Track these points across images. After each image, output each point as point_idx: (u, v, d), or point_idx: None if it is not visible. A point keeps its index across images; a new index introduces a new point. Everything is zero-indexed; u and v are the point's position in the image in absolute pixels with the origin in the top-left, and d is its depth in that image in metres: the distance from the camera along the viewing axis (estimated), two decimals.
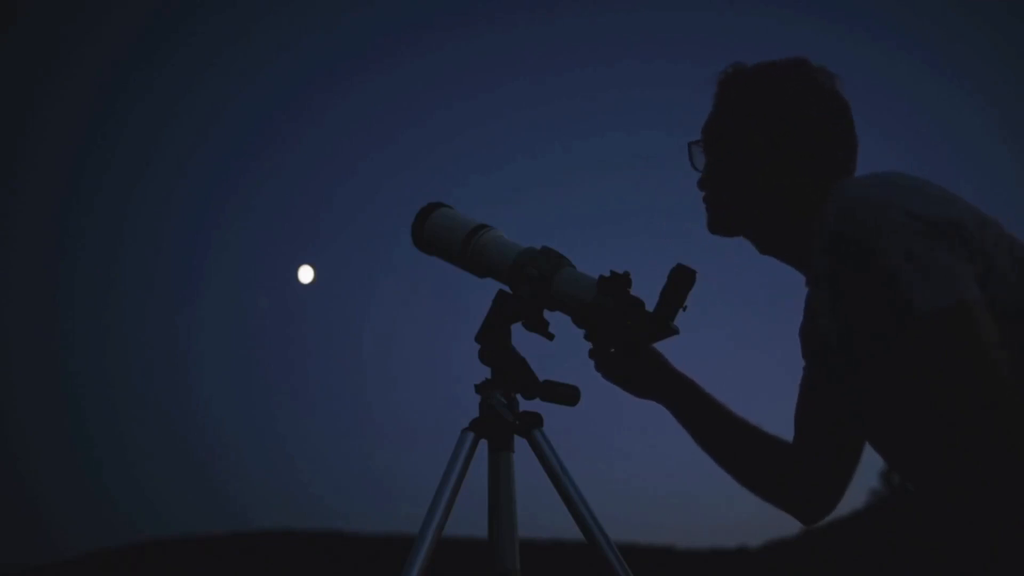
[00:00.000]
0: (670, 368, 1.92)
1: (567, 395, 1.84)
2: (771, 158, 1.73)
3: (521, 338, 1.88)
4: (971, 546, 1.48)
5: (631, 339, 1.82)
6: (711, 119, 1.83)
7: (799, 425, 1.83)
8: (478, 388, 1.84)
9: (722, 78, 1.83)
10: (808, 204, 1.69)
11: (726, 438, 1.89)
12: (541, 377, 1.85)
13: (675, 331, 1.82)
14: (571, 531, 1.75)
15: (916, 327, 1.40)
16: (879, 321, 1.46)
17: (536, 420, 1.82)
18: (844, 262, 1.50)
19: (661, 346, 1.92)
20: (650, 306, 1.77)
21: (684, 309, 1.79)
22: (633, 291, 1.77)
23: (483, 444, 1.79)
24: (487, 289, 1.93)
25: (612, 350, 1.90)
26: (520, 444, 1.81)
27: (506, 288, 1.90)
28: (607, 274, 1.77)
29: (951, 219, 1.46)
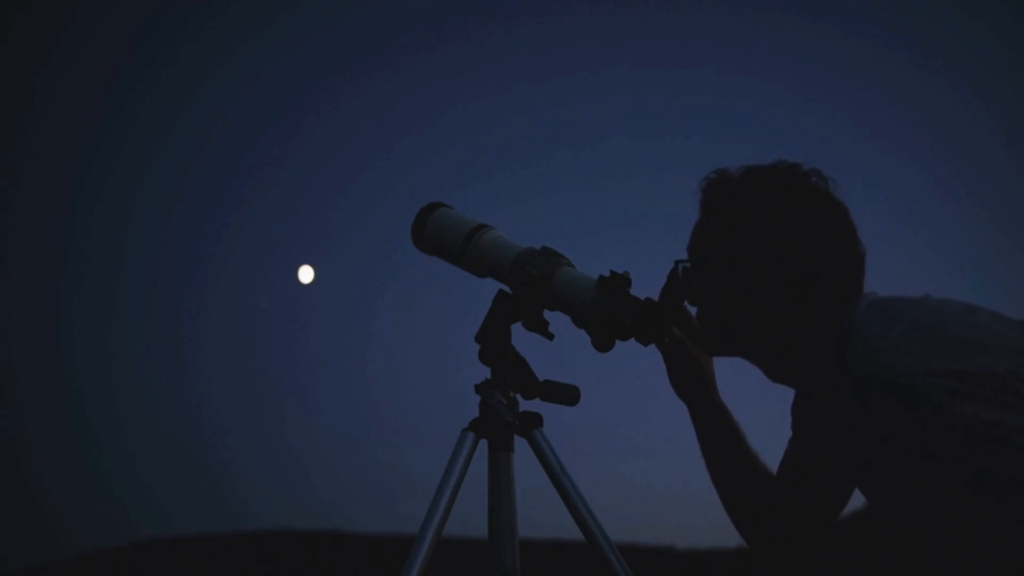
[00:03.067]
0: (711, 380, 1.89)
1: (567, 395, 1.84)
2: (770, 282, 1.62)
3: (521, 338, 1.88)
4: (973, 545, 1.48)
5: (628, 338, 1.82)
6: (699, 237, 1.72)
7: (785, 482, 1.82)
8: (478, 388, 1.84)
9: (706, 186, 1.70)
10: (816, 328, 1.61)
11: (731, 466, 1.87)
12: (541, 377, 1.85)
13: (675, 331, 1.82)
14: (571, 531, 1.75)
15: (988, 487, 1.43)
16: (938, 469, 1.47)
17: (536, 420, 1.82)
18: (893, 407, 1.47)
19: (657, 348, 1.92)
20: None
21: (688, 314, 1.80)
22: (633, 291, 1.77)
23: (483, 444, 1.79)
24: (487, 289, 1.93)
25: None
26: (520, 444, 1.81)
27: (506, 288, 1.90)
28: (607, 274, 1.78)
29: (995, 372, 1.43)
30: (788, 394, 1.83)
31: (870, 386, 1.48)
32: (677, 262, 1.75)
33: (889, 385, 1.45)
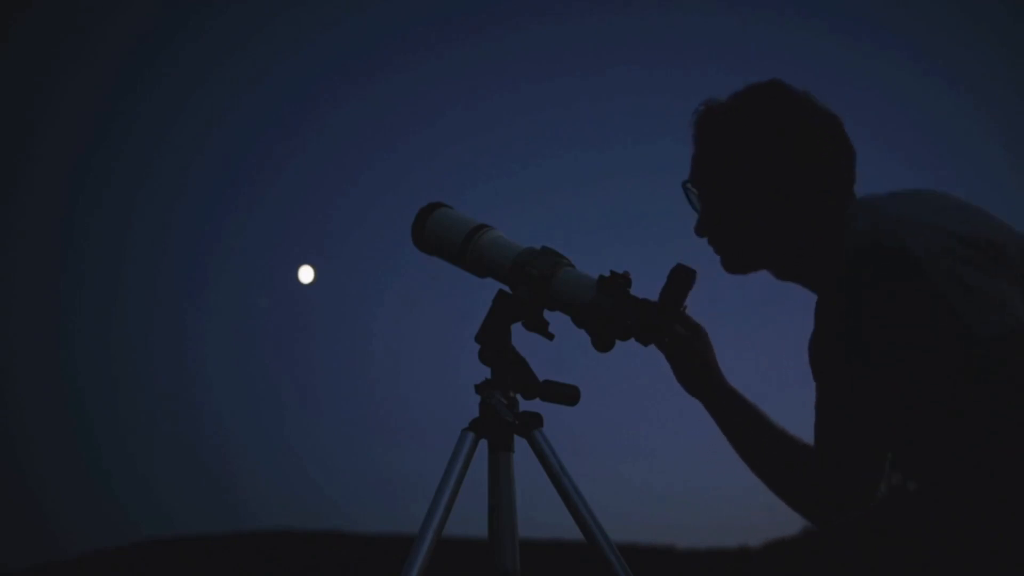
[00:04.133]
0: (719, 370, 1.91)
1: (567, 395, 1.84)
2: (770, 187, 1.69)
3: (521, 338, 1.88)
4: (976, 545, 1.48)
5: (628, 338, 1.82)
6: (698, 161, 1.78)
7: (820, 444, 1.81)
8: (478, 388, 1.84)
9: (697, 118, 1.77)
10: (819, 224, 1.68)
11: (762, 447, 1.88)
12: (541, 377, 1.85)
13: (675, 330, 1.82)
14: (571, 531, 1.75)
15: (977, 351, 1.42)
16: (925, 337, 1.46)
17: (536, 420, 1.82)
18: (884, 276, 1.49)
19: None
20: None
21: (684, 309, 1.80)
22: (633, 291, 1.77)
23: (483, 444, 1.79)
24: (487, 289, 1.93)
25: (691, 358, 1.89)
26: (520, 444, 1.81)
27: (506, 288, 1.89)
28: (607, 274, 1.78)
29: (993, 241, 1.48)
30: (791, 382, 1.83)
31: (870, 259, 1.51)
32: (684, 186, 1.79)
33: (889, 253, 1.48)
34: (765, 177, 1.69)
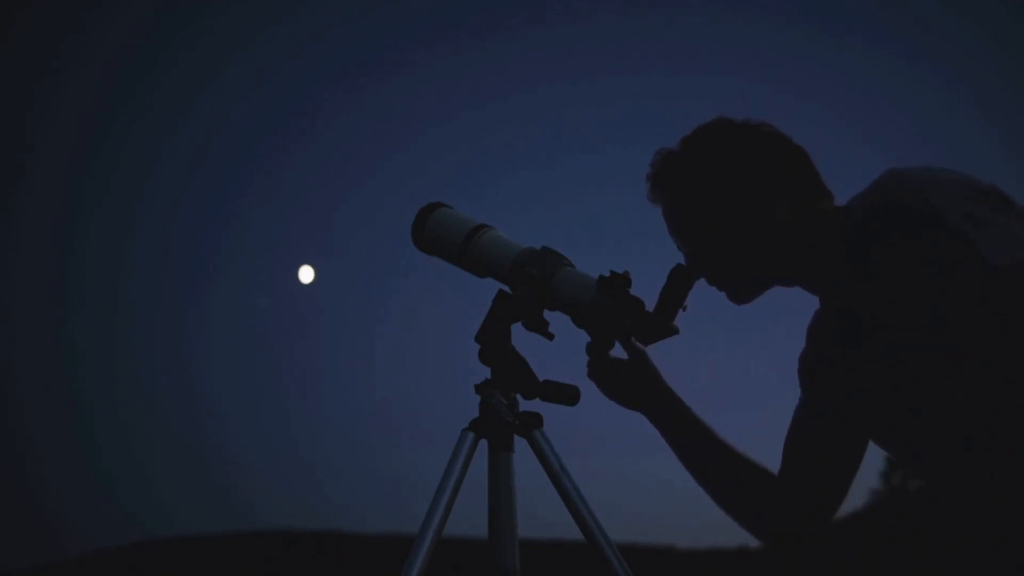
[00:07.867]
0: (659, 382, 1.92)
1: (567, 395, 1.84)
2: (757, 191, 1.73)
3: (521, 338, 1.88)
4: (976, 545, 1.48)
5: (629, 338, 1.82)
6: (671, 212, 1.82)
7: (789, 456, 1.81)
8: (478, 388, 1.84)
9: (652, 175, 1.83)
10: (808, 213, 1.71)
11: (706, 461, 1.88)
12: (541, 377, 1.85)
13: (675, 331, 1.82)
14: (571, 531, 1.75)
15: (993, 279, 1.45)
16: (940, 282, 1.49)
17: (536, 420, 1.82)
18: (895, 234, 1.53)
19: (658, 348, 1.92)
20: (650, 306, 1.77)
21: (684, 309, 1.80)
22: (633, 291, 1.78)
23: (483, 444, 1.79)
24: (487, 289, 1.93)
25: (609, 352, 1.90)
26: (520, 444, 1.81)
27: (506, 288, 1.90)
28: (607, 274, 1.78)
29: (1004, 194, 1.55)
30: (780, 395, 1.83)
31: (884, 214, 1.54)
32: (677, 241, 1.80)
33: (905, 202, 1.52)
34: (751, 185, 1.73)
